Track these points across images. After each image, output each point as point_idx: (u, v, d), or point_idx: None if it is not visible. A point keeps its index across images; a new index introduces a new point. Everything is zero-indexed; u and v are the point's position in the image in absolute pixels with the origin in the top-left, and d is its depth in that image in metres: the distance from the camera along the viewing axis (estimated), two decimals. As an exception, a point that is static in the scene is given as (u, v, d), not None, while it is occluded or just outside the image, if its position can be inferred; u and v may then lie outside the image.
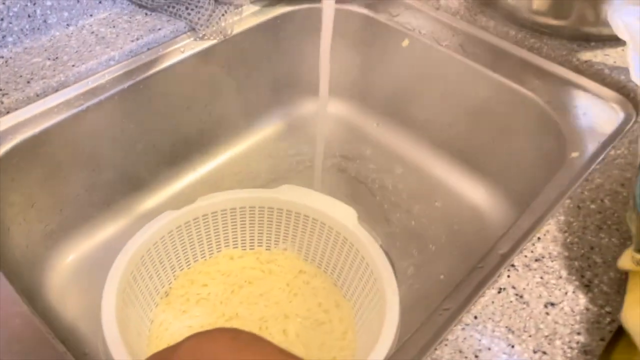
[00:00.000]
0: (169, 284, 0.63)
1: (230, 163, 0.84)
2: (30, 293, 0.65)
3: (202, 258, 0.65)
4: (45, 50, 0.67)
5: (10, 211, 0.63)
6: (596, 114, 0.66)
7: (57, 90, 0.64)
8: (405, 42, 0.79)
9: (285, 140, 0.88)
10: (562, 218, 0.52)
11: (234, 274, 0.64)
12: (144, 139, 0.74)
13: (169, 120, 0.76)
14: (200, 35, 0.74)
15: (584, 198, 0.53)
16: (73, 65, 0.66)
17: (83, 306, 0.68)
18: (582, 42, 0.72)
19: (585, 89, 0.68)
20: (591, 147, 0.61)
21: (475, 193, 0.78)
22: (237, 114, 0.84)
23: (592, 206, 0.53)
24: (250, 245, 0.66)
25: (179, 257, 0.62)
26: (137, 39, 0.70)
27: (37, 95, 0.63)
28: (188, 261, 0.64)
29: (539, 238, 0.50)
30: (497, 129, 0.74)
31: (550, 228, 0.51)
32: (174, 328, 0.59)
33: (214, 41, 0.75)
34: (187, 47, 0.73)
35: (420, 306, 0.65)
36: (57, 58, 0.66)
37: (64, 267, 0.70)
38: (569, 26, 0.71)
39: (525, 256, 0.49)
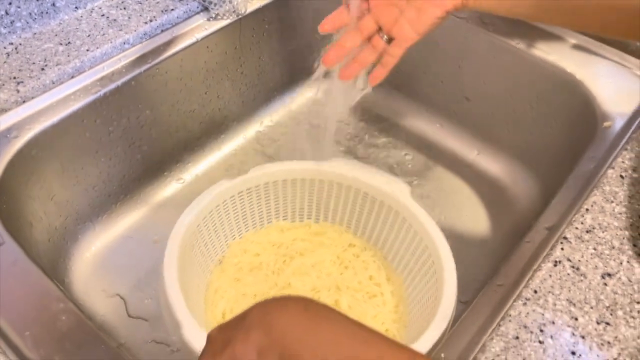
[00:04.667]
0: (222, 253, 0.62)
1: (248, 144, 0.82)
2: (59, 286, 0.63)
3: (253, 228, 0.64)
4: (56, 35, 0.64)
5: (31, 205, 0.61)
6: (622, 82, 0.65)
7: (73, 77, 0.62)
8: (421, 16, 0.77)
9: (302, 118, 0.86)
10: (607, 188, 0.51)
11: (285, 245, 0.63)
12: (160, 125, 0.72)
13: (184, 105, 0.74)
14: (214, 15, 0.71)
15: (626, 167, 0.53)
16: (87, 50, 0.63)
17: (109, 297, 0.66)
18: (602, 11, 0.71)
19: (609, 58, 0.68)
20: (623, 115, 0.61)
21: (496, 167, 0.78)
22: (254, 94, 0.82)
23: (635, 175, 0.52)
24: (300, 218, 0.65)
25: (231, 226, 0.62)
26: (151, 21, 0.67)
27: (53, 83, 0.60)
28: (240, 231, 0.63)
29: (587, 209, 0.50)
30: (520, 99, 0.73)
31: (597, 199, 0.51)
32: (229, 295, 0.58)
33: (228, 21, 0.72)
34: (200, 28, 0.71)
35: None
36: (69, 43, 0.63)
37: (86, 260, 0.68)
38: (590, -6, 0.71)
39: (577, 228, 0.48)
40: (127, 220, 0.73)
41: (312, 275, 0.59)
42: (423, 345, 0.43)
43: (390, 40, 0.50)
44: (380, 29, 0.51)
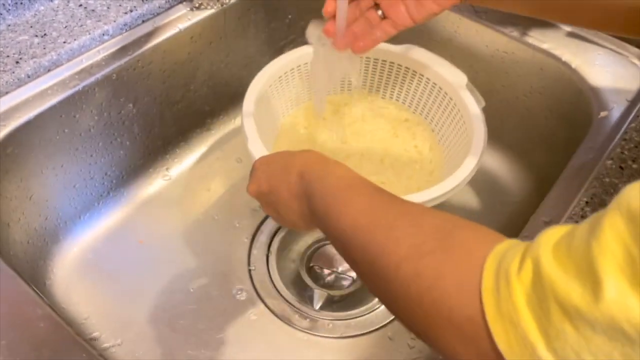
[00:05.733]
0: (298, 105, 0.70)
1: (236, 139, 0.80)
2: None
3: (333, 92, 0.71)
4: (31, 26, 0.61)
5: (8, 205, 0.58)
6: (619, 71, 0.64)
7: (49, 70, 0.59)
8: (412, 5, 0.75)
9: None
10: (606, 180, 0.50)
11: (351, 110, 0.70)
12: (143, 119, 0.70)
13: (167, 98, 0.71)
14: (197, 4, 0.69)
15: (625, 158, 0.52)
16: (64, 42, 0.60)
17: (92, 299, 0.64)
18: (597, -2, 0.69)
19: (605, 46, 0.66)
20: (620, 105, 0.60)
21: (490, 159, 0.76)
22: (241, 87, 0.79)
23: (635, 166, 0.51)
24: (370, 91, 0.72)
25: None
26: (131, 11, 0.64)
27: (29, 77, 0.58)
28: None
29: (586, 202, 0.48)
30: (514, 89, 0.72)
31: (596, 191, 0.49)
32: (295, 137, 0.68)
33: (211, 10, 0.70)
34: (183, 18, 0.68)
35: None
36: (45, 35, 0.60)
37: (68, 262, 0.66)
38: (584, -19, 0.69)
39: (576, 222, 0.47)
40: (110, 220, 0.71)
41: (367, 137, 0.68)
42: (439, 188, 0.52)
43: (385, 17, 0.50)
44: (377, 5, 0.51)
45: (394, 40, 0.63)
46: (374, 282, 0.33)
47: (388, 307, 0.33)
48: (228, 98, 0.79)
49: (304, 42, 0.83)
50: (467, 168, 0.54)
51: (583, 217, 0.47)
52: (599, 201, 0.48)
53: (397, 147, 0.67)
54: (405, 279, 0.29)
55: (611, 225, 0.21)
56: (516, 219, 0.70)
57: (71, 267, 0.66)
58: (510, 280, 0.23)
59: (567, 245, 0.23)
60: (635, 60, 0.64)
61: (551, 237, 0.24)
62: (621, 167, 0.51)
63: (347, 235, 0.34)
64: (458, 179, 0.53)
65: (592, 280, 0.21)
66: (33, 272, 0.62)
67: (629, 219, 0.21)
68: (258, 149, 0.54)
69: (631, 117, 0.57)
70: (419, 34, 0.77)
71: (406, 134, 0.68)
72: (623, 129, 0.56)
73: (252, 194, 0.47)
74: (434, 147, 0.67)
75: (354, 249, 0.34)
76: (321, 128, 0.69)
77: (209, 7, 0.70)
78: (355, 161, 0.66)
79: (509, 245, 0.26)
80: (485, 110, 0.76)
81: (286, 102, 0.69)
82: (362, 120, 0.70)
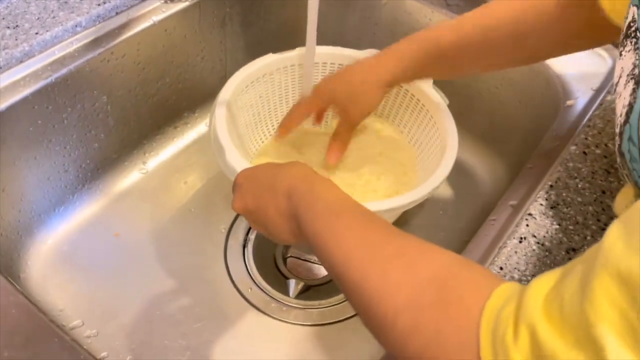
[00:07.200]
0: (278, 118, 0.70)
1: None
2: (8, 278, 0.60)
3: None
4: (3, 18, 0.61)
5: (-20, 197, 0.58)
6: (584, 61, 0.66)
7: (21, 62, 0.59)
8: (385, -1, 0.77)
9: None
10: (570, 164, 0.51)
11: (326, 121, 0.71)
12: (117, 112, 0.69)
13: (143, 91, 0.71)
14: (172, -3, 0.69)
15: (589, 144, 0.53)
16: (37, 33, 0.60)
17: (68, 293, 0.64)
18: (564, -9, 0.71)
19: (571, 38, 0.68)
20: (585, 94, 0.61)
21: (460, 148, 0.77)
22: (217, 80, 0.80)
23: (598, 151, 0.53)
24: None
25: (280, 96, 0.69)
26: (104, 2, 0.64)
27: (0, 68, 0.57)
28: (288, 102, 0.71)
29: (551, 185, 0.50)
30: (484, 80, 0.73)
31: (561, 175, 0.50)
32: (273, 148, 0.68)
33: (186, 3, 0.70)
34: (158, 10, 0.68)
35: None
36: (17, 26, 0.60)
37: (43, 255, 0.66)
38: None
39: (541, 204, 0.48)
40: (85, 212, 0.70)
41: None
42: (415, 193, 0.52)
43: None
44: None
45: (357, 44, 0.65)
46: (369, 324, 0.32)
47: (385, 347, 0.33)
48: (204, 91, 0.80)
49: (280, 35, 0.84)
50: (447, 165, 0.55)
51: (547, 200, 0.48)
52: (563, 185, 0.50)
53: (367, 152, 0.66)
54: (404, 331, 0.29)
55: (603, 289, 0.21)
56: (487, 204, 0.71)
57: (46, 260, 0.66)
58: (508, 350, 0.23)
59: (559, 308, 0.23)
60: (601, 51, 0.66)
61: (539, 292, 0.24)
62: (584, 153, 0.52)
63: (339, 271, 0.34)
64: (439, 177, 0.54)
65: (594, 349, 0.20)
66: (7, 266, 0.62)
67: (620, 282, 0.20)
68: (237, 162, 0.52)
69: (596, 105, 0.59)
70: (392, 27, 0.78)
71: (375, 140, 0.68)
72: (588, 116, 0.57)
73: (238, 211, 0.45)
74: (404, 147, 0.67)
75: (348, 288, 0.33)
76: (297, 131, 0.67)
77: (183, -1, 0.70)
78: (328, 172, 0.65)
79: (501, 298, 0.26)
80: (457, 103, 0.77)
81: (263, 117, 0.69)
82: (328, 128, 0.68)
